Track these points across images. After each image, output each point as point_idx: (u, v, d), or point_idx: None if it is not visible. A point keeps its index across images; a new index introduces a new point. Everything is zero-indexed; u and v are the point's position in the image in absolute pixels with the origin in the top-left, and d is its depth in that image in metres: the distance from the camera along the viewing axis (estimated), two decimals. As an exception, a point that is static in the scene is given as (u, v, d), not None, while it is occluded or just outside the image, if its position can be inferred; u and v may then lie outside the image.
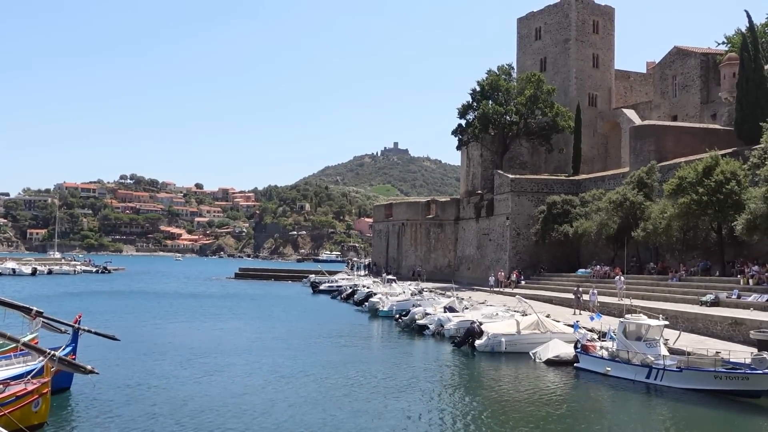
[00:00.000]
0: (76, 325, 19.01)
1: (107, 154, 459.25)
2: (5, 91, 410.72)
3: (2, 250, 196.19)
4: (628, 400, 20.20)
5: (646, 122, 53.69)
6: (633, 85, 71.51)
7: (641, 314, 24.35)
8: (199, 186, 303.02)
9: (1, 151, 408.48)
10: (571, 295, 41.29)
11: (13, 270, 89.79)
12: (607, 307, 34.24)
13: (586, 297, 35.35)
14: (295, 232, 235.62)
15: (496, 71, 65.01)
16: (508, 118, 62.58)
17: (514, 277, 50.68)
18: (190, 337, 32.36)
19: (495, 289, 47.08)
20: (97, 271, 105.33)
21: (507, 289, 47.44)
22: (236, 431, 15.45)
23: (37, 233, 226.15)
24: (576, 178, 57.02)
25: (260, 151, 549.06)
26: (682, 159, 42.19)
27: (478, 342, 28.29)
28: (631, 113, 63.16)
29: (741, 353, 20.86)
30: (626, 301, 31.70)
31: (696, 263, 39.06)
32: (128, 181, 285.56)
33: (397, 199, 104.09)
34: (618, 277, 36.96)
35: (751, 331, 23.08)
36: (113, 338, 19.95)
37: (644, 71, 72.33)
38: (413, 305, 40.44)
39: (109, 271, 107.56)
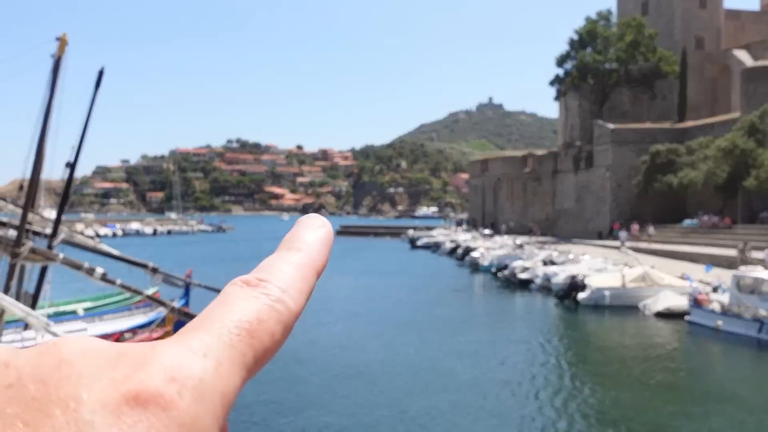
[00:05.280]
0: (188, 280, 20.11)
1: (214, 120, 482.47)
2: (125, 68, 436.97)
3: (125, 212, 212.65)
4: (737, 356, 19.83)
5: (760, 63, 50.61)
6: (744, 24, 66.88)
7: (758, 266, 23.59)
8: (299, 147, 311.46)
9: (122, 121, 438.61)
10: (680, 248, 40.32)
11: (137, 231, 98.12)
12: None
13: (760, 255, 29.67)
14: (392, 190, 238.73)
15: (595, 18, 62.90)
16: (607, 66, 60.66)
17: (651, 230, 47.10)
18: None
19: (627, 244, 44.04)
20: (212, 231, 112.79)
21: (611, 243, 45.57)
22: (344, 382, 16.45)
23: (155, 196, 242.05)
24: (681, 125, 54.88)
25: (357, 112, 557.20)
26: (799, 101, 39.95)
27: (581, 295, 27.78)
28: (742, 54, 59.47)
29: None
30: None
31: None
32: (234, 144, 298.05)
33: (493, 155, 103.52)
34: None
35: None
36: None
37: (758, 9, 67.50)
38: (515, 259, 40.38)
39: (224, 230, 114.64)
